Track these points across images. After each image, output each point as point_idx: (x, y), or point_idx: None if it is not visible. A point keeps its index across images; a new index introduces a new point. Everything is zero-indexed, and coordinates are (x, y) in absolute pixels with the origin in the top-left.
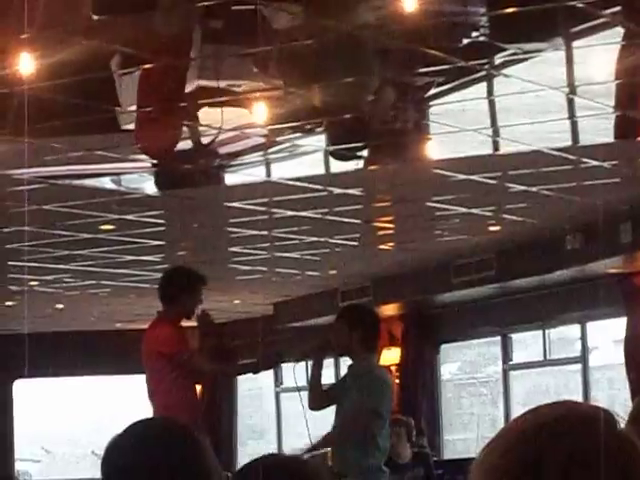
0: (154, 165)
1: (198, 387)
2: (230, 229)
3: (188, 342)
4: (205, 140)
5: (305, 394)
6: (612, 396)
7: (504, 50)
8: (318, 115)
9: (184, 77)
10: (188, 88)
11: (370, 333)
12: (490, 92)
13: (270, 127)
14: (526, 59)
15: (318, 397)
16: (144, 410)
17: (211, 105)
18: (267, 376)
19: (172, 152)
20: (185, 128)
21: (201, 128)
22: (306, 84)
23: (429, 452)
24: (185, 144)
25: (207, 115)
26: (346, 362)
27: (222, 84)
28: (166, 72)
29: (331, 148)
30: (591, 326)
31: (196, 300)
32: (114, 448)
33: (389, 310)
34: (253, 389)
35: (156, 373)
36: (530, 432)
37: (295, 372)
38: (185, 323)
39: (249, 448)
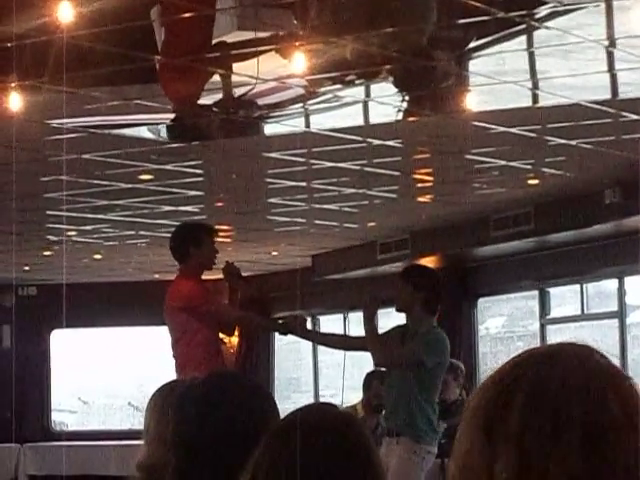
0: (184, 115)
1: (235, 340)
2: (268, 180)
3: (211, 294)
4: (239, 92)
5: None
6: None
7: (545, 3)
8: (370, 64)
9: (210, 27)
10: (226, 38)
11: (433, 295)
12: (530, 44)
13: (309, 78)
14: (567, 12)
15: (383, 351)
16: None
17: (247, 56)
18: None
19: (194, 102)
20: (218, 78)
21: (239, 79)
22: (356, 33)
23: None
24: (216, 95)
25: (244, 66)
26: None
27: (260, 34)
28: (190, 21)
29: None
30: (634, 282)
31: (210, 251)
32: (188, 396)
33: (427, 263)
34: (291, 342)
35: (178, 328)
36: (503, 373)
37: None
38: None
39: (289, 401)
